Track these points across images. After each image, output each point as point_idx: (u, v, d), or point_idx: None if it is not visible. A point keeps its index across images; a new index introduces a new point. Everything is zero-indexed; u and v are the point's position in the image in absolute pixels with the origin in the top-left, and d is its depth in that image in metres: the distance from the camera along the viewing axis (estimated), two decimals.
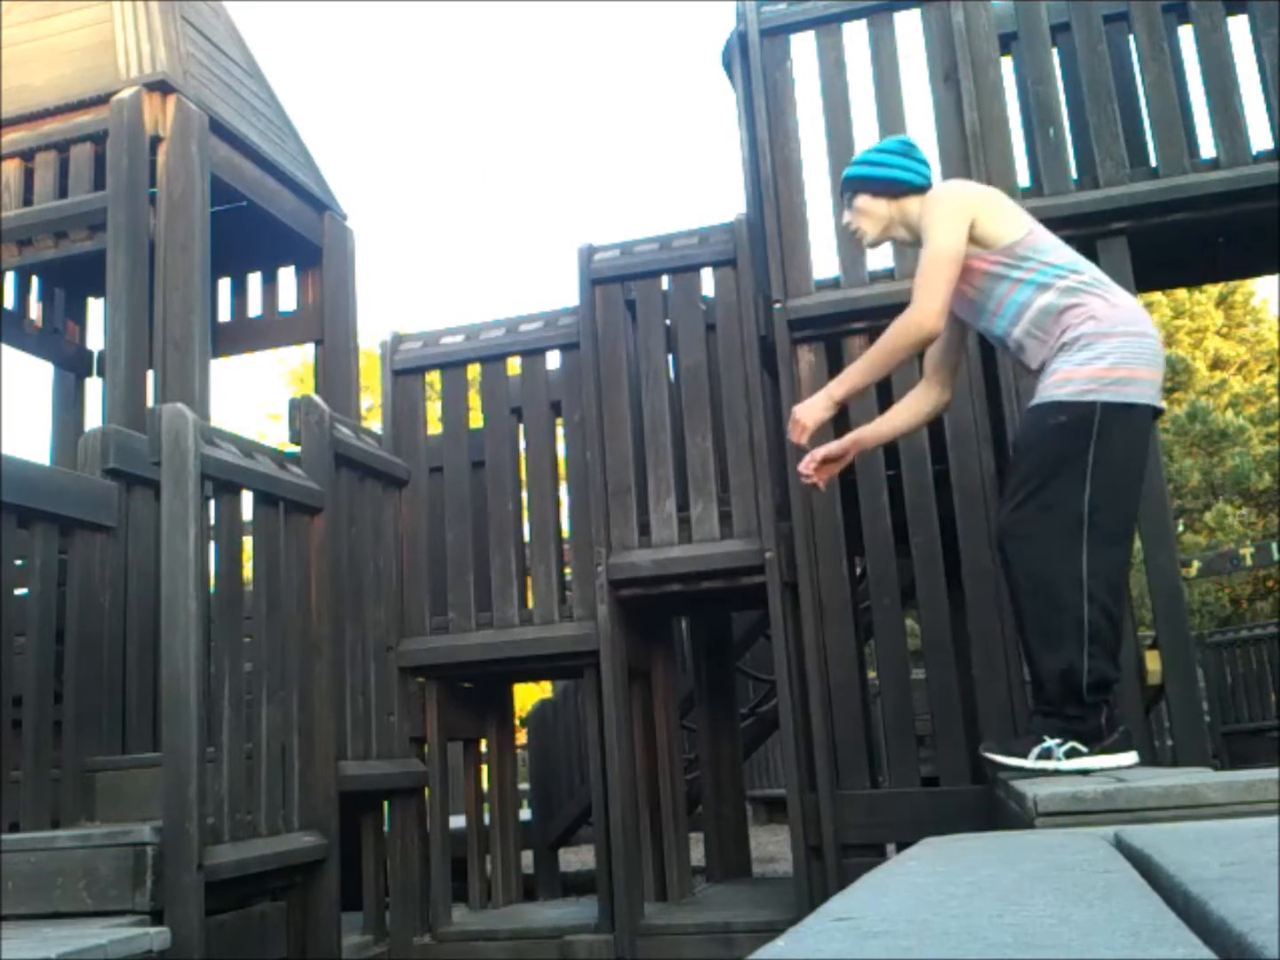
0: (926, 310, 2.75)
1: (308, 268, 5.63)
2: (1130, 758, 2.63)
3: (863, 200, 3.00)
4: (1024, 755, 2.63)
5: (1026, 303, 2.78)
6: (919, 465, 3.68)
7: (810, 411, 3.00)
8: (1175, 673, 3.39)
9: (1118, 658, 2.71)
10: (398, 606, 4.16)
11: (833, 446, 3.08)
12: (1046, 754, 2.61)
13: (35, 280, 5.53)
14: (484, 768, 4.65)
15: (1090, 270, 2.84)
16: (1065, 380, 2.66)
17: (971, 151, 3.76)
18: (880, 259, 3.88)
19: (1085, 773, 2.56)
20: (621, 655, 3.90)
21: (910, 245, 3.07)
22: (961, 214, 2.79)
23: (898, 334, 2.82)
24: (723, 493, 3.92)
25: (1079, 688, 2.58)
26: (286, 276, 5.74)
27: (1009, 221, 2.84)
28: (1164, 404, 2.81)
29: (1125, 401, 2.63)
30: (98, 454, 3.41)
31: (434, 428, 4.52)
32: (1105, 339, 2.67)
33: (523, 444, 4.32)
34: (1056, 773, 2.57)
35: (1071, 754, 2.60)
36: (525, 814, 6.13)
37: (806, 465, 3.04)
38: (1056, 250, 2.85)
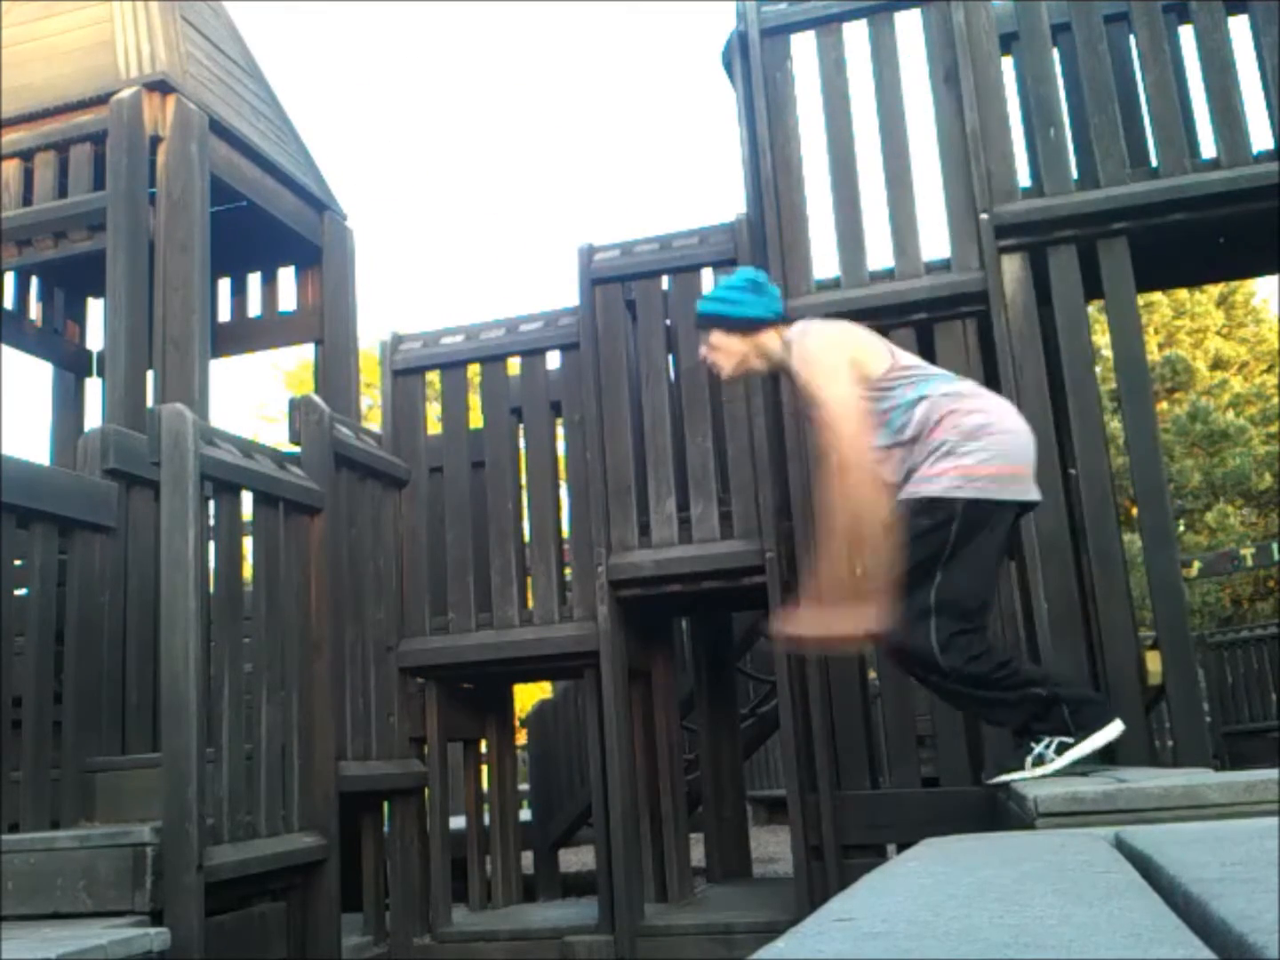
0: (863, 463, 2.74)
1: (308, 268, 5.63)
2: (1116, 726, 2.69)
3: (716, 336, 3.03)
4: (1021, 768, 2.67)
5: (904, 423, 2.81)
6: None
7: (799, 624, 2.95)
8: (1176, 673, 3.39)
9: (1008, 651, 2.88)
10: (398, 606, 4.16)
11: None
12: (1040, 760, 2.64)
13: (35, 280, 5.53)
14: (484, 768, 4.64)
15: (952, 382, 2.91)
16: (933, 477, 2.73)
17: (971, 151, 3.76)
18: (880, 259, 3.88)
19: (1084, 768, 2.59)
20: (621, 655, 3.89)
21: (767, 375, 3.22)
22: (842, 364, 2.82)
23: (861, 505, 2.74)
24: (723, 493, 3.92)
25: (1017, 698, 2.68)
26: (286, 276, 5.74)
27: (874, 355, 2.89)
28: (1036, 497, 2.85)
29: (992, 499, 2.71)
30: (97, 454, 3.41)
31: (434, 428, 4.52)
32: (973, 439, 2.73)
33: (523, 444, 4.32)
34: (1058, 773, 2.59)
35: (1061, 749, 2.64)
36: (525, 814, 6.12)
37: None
38: (919, 367, 2.94)
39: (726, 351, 3.04)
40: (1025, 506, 2.85)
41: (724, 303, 3.04)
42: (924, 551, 2.69)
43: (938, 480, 2.71)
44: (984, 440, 2.73)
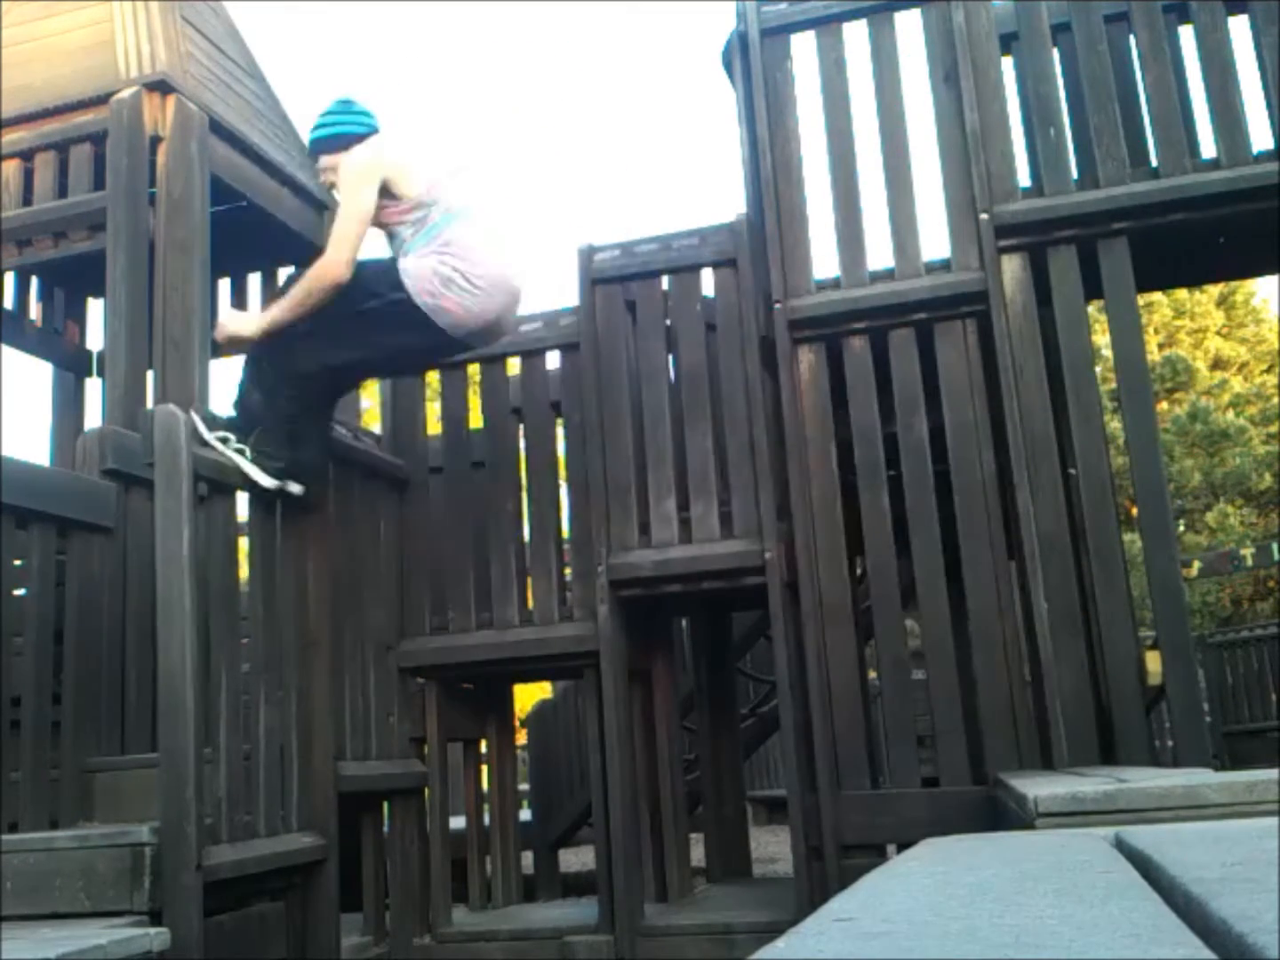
0: (335, 260, 3.20)
1: (307, 268, 5.61)
2: None
3: (325, 160, 3.42)
4: None
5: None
6: (919, 466, 3.68)
7: (235, 324, 3.39)
8: (1176, 673, 3.39)
9: None
10: (398, 606, 4.16)
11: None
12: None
13: (35, 280, 5.53)
14: (484, 768, 4.64)
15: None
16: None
17: (972, 151, 3.76)
18: (880, 259, 3.88)
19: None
20: (621, 655, 3.89)
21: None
22: (371, 176, 3.24)
23: (312, 279, 3.27)
24: (723, 493, 3.92)
25: None
26: (286, 276, 5.73)
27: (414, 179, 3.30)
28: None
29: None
30: (96, 454, 3.41)
31: (434, 428, 4.52)
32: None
33: (523, 444, 4.32)
34: None
35: None
36: (525, 814, 6.12)
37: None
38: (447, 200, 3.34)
39: (336, 169, 3.36)
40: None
41: (321, 127, 3.43)
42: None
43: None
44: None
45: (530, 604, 4.15)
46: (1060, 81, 3.87)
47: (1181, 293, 18.25)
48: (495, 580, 4.14)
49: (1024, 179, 3.83)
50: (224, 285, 5.76)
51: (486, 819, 4.48)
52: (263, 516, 3.45)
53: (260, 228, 5.22)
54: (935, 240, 3.83)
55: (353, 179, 3.26)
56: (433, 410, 4.62)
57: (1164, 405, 16.59)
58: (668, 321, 4.11)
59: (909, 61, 3.94)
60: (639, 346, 4.08)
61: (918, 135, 3.85)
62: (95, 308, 5.68)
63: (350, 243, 3.20)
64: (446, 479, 4.30)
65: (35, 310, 5.55)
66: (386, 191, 3.25)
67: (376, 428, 4.46)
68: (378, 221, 3.32)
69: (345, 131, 3.37)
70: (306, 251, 5.53)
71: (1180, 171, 3.65)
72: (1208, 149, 3.74)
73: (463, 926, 4.02)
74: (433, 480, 4.32)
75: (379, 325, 3.25)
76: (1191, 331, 19.44)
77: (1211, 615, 13.99)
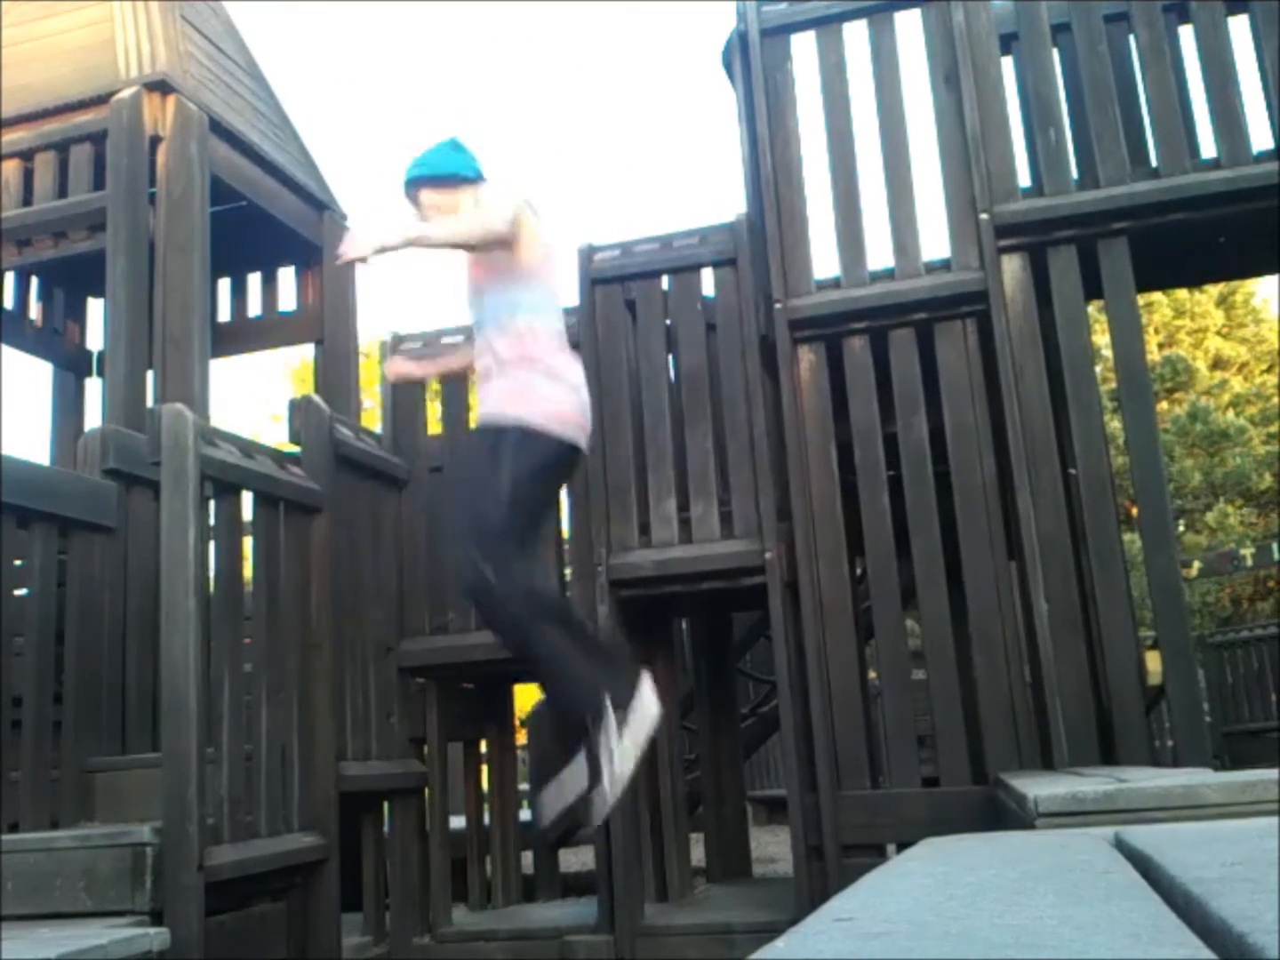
0: (499, 216, 2.92)
1: (307, 268, 5.62)
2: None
3: (427, 196, 3.19)
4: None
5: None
6: (919, 466, 3.68)
7: (374, 240, 2.98)
8: (1176, 673, 3.39)
9: None
10: (398, 606, 4.16)
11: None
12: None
13: (35, 280, 5.53)
14: (484, 768, 4.64)
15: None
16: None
17: (972, 151, 3.76)
18: (880, 259, 3.88)
19: None
20: None
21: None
22: (518, 206, 2.98)
23: (474, 223, 2.96)
24: (723, 493, 3.92)
25: None
26: (286, 276, 5.74)
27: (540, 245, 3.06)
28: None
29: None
30: (97, 454, 3.41)
31: (434, 428, 4.52)
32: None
33: None
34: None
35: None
36: (525, 814, 6.12)
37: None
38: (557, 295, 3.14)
39: (438, 207, 3.15)
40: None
41: (426, 164, 3.19)
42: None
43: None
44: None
45: None
46: (1060, 81, 3.87)
47: (1181, 293, 18.25)
48: None
49: (1024, 179, 3.84)
50: (224, 285, 5.77)
51: (486, 819, 4.48)
52: (266, 517, 3.45)
53: (260, 228, 5.23)
54: (935, 240, 3.83)
55: (503, 197, 2.99)
56: (433, 410, 4.62)
57: (1164, 405, 16.59)
58: (668, 321, 4.11)
59: (909, 61, 3.94)
60: (639, 346, 4.07)
61: (918, 135, 3.86)
62: (95, 308, 5.68)
63: (507, 208, 2.94)
64: (446, 479, 4.29)
65: (35, 310, 5.55)
66: (504, 243, 2.97)
67: (377, 428, 4.46)
68: (480, 267, 3.07)
69: (458, 172, 3.15)
70: (306, 251, 5.55)
71: (1180, 171, 3.65)
72: (1208, 149, 3.74)
73: (463, 926, 4.02)
74: (433, 480, 4.32)
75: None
76: (1191, 331, 19.44)
77: (1211, 615, 13.98)
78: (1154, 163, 3.74)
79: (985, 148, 3.77)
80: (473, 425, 3.24)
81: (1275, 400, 16.11)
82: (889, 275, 3.84)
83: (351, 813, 3.70)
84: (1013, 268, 3.70)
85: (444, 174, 3.15)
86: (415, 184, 3.20)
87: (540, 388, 2.92)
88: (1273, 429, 15.41)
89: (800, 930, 1.01)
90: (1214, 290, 19.04)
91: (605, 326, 4.06)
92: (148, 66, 4.65)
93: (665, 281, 4.09)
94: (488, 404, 2.97)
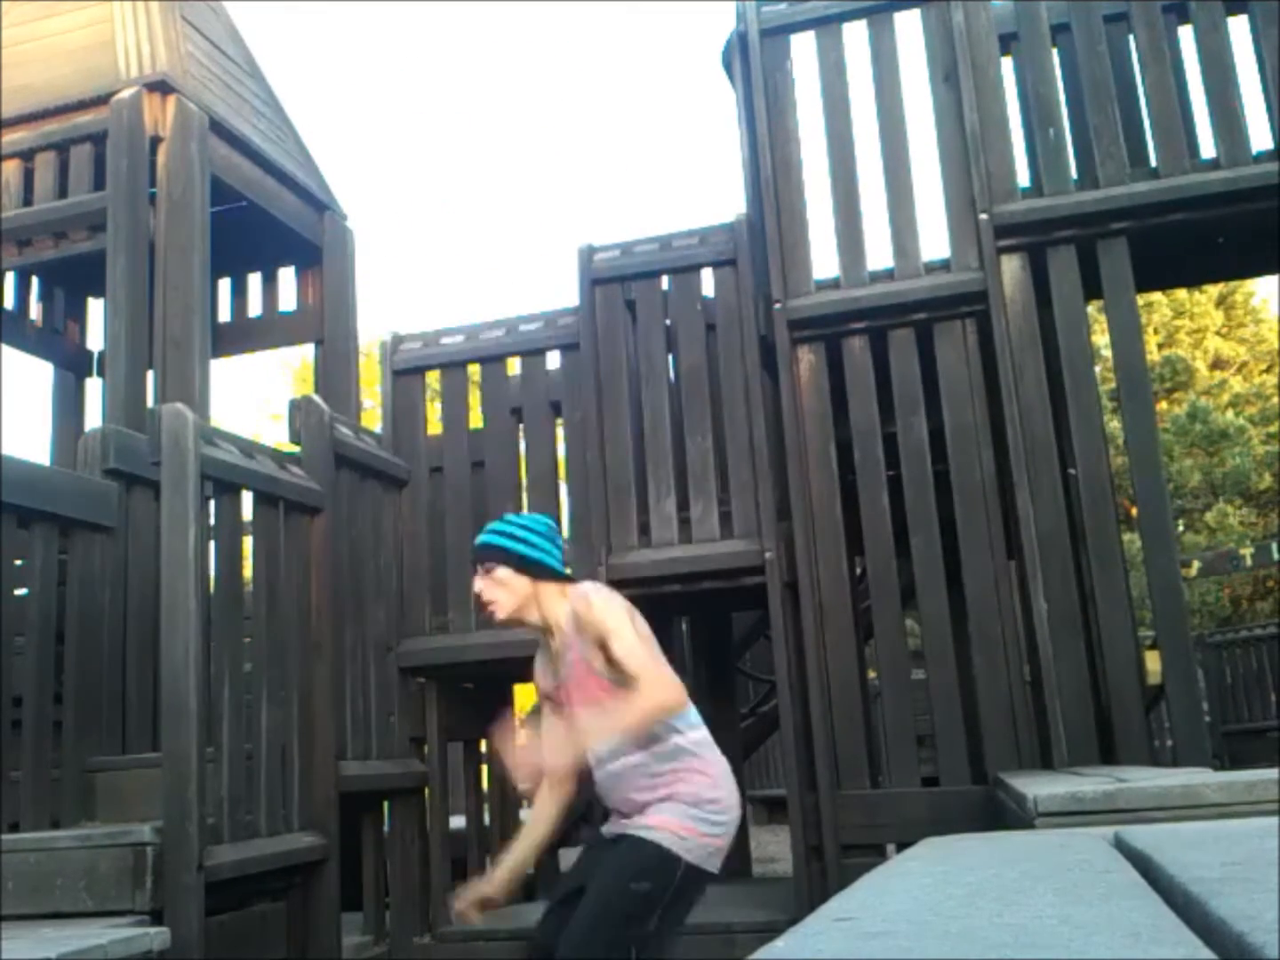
0: (669, 683, 2.49)
1: (308, 268, 5.62)
2: None
3: (504, 572, 2.70)
4: None
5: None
6: (919, 466, 3.68)
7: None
8: (1175, 673, 3.39)
9: None
10: (398, 606, 4.16)
11: (490, 890, 2.82)
12: None
13: (35, 280, 5.53)
14: (484, 768, 4.64)
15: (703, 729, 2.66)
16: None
17: (971, 152, 3.76)
18: (880, 259, 3.88)
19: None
20: None
21: (536, 629, 2.75)
22: (632, 618, 2.58)
23: (650, 710, 2.47)
24: (723, 493, 3.92)
25: None
26: (286, 276, 5.74)
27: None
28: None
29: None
30: (98, 454, 3.41)
31: (434, 428, 4.52)
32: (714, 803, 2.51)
33: (523, 444, 4.32)
34: None
35: None
36: (525, 814, 6.12)
37: (464, 905, 2.79)
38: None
39: (511, 590, 2.70)
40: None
41: (521, 542, 2.73)
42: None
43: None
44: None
45: None
46: (1060, 82, 3.87)
47: (1181, 293, 18.24)
48: None
49: (1024, 179, 3.84)
50: (224, 285, 5.77)
51: (486, 819, 4.48)
52: (266, 517, 3.45)
53: (260, 228, 5.23)
54: (935, 240, 3.83)
55: (620, 613, 2.55)
56: (433, 410, 4.62)
57: (1164, 405, 16.58)
58: (668, 321, 4.11)
59: (909, 61, 3.94)
60: (639, 346, 4.08)
61: (917, 135, 3.86)
62: (95, 308, 5.68)
63: (660, 663, 2.50)
64: (446, 479, 4.30)
65: (36, 310, 5.55)
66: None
67: (377, 428, 4.47)
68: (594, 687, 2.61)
69: (545, 562, 2.70)
70: (307, 251, 5.55)
71: (1180, 172, 3.65)
72: (1207, 149, 3.75)
73: (462, 926, 4.01)
74: (433, 480, 4.32)
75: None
76: (1191, 331, 19.43)
77: (1211, 615, 13.97)
78: (1153, 163, 3.74)
79: (985, 148, 3.77)
80: None
81: (1275, 400, 16.11)
82: (889, 275, 3.84)
83: (351, 812, 3.70)
84: (1012, 268, 3.70)
85: (535, 560, 2.71)
86: (494, 554, 2.71)
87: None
88: (1272, 429, 15.41)
89: (800, 930, 1.02)
90: (1213, 290, 19.04)
91: (605, 326, 4.07)
92: (148, 67, 4.65)
93: (665, 282, 4.09)
94: None
